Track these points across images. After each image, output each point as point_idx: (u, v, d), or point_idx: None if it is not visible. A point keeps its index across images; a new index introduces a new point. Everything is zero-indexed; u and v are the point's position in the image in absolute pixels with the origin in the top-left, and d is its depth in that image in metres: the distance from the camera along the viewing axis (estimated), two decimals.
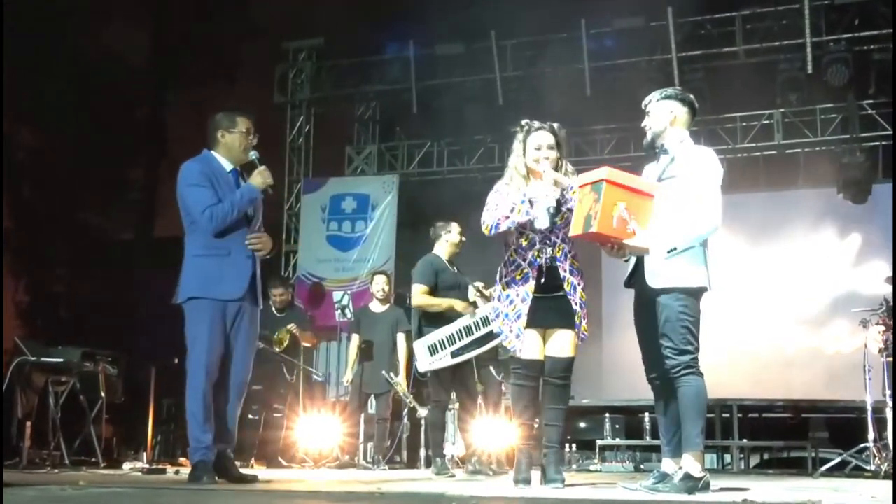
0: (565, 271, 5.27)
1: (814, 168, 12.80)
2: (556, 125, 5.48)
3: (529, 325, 5.25)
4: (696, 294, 4.89)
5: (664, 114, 5.11)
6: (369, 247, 13.51)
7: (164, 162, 19.03)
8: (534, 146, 5.37)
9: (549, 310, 5.25)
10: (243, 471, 6.00)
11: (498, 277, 5.46)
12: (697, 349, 4.86)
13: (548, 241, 5.29)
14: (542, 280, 5.24)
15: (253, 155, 5.78)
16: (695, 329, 4.86)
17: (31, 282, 19.03)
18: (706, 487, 4.77)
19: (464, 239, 7.89)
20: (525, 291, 5.26)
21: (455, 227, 7.96)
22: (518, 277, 5.30)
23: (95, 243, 17.88)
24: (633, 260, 5.09)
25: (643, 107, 5.25)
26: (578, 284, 5.29)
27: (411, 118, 13.85)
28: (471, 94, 13.18)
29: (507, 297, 5.33)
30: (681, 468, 4.81)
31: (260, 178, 5.72)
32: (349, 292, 13.14)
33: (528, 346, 5.28)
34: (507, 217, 5.24)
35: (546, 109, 12.38)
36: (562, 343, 5.27)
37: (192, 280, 5.54)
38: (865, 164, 12.11)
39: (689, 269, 4.84)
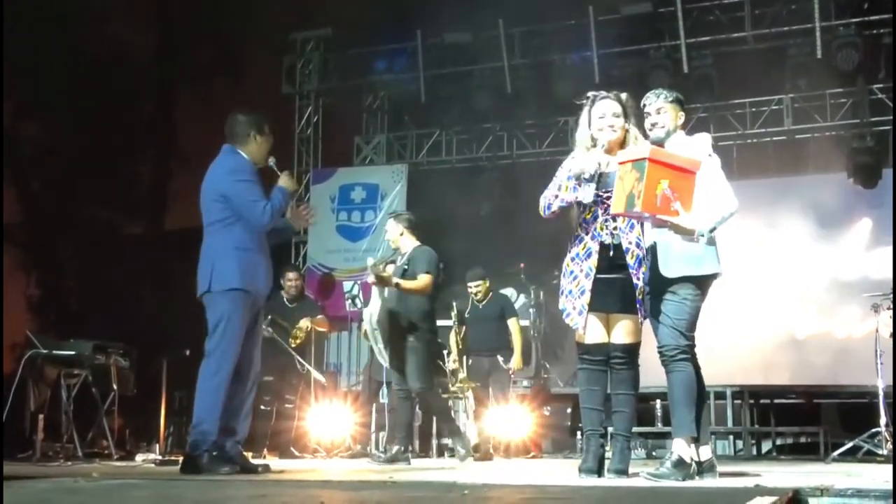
0: (630, 243, 5.02)
1: (824, 153, 12.75)
2: (622, 94, 5.22)
3: (592, 307, 5.02)
4: (706, 281, 4.93)
5: (674, 115, 5.15)
6: (379, 236, 13.46)
7: (173, 155, 19.09)
8: (598, 115, 5.14)
9: (610, 293, 5.02)
10: (255, 461, 6.03)
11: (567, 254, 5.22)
12: (694, 338, 4.92)
13: (610, 214, 5.01)
14: (610, 254, 5.01)
15: (272, 161, 5.89)
16: (696, 318, 4.91)
17: (42, 275, 19.10)
18: (708, 471, 4.86)
19: (389, 238, 8.00)
20: (588, 267, 5.03)
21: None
22: (581, 252, 5.08)
23: (105, 237, 17.92)
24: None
25: (645, 104, 5.19)
26: (644, 259, 5.03)
27: (420, 107, 13.85)
28: (479, 82, 13.17)
29: (571, 273, 5.10)
30: (672, 452, 4.85)
31: (291, 181, 5.86)
32: (359, 282, 13.14)
33: (591, 330, 5.07)
34: (556, 196, 5.09)
35: (554, 97, 12.41)
36: (621, 330, 5.06)
37: (236, 272, 5.57)
38: (875, 149, 12.05)
39: (701, 257, 4.87)
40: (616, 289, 5.02)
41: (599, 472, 5.08)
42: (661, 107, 5.15)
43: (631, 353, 5.12)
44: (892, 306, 8.17)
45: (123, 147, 18.50)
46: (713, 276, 4.96)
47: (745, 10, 12.26)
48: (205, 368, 5.51)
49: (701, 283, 4.92)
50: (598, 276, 5.01)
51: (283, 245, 14.10)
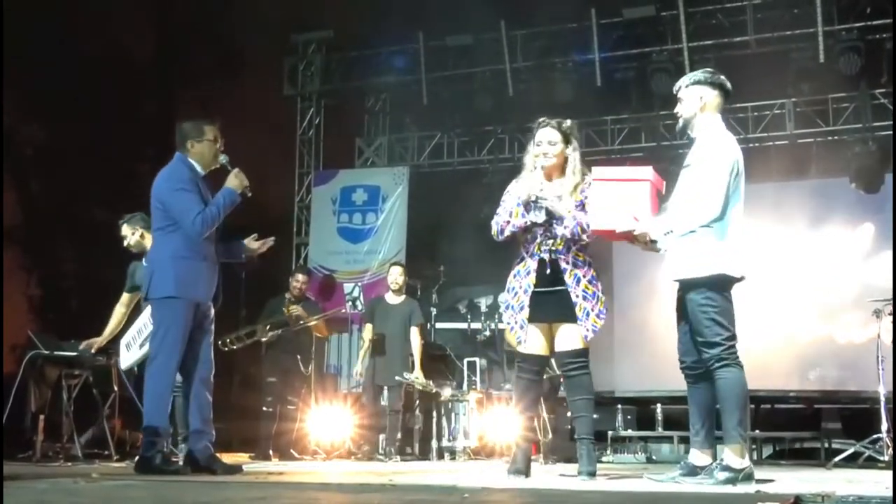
0: (567, 264, 5.29)
1: (826, 158, 12.73)
2: (565, 121, 5.52)
3: (533, 318, 5.33)
4: (717, 283, 4.87)
5: (694, 100, 5.10)
6: (380, 238, 13.49)
7: (173, 156, 19.10)
8: (536, 142, 5.48)
9: (551, 304, 5.31)
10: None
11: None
12: (730, 338, 4.88)
13: (549, 234, 5.35)
14: (547, 272, 5.30)
15: (223, 159, 5.97)
16: (723, 318, 4.87)
17: (43, 276, 19.10)
18: (748, 479, 4.76)
19: (130, 242, 7.89)
20: (528, 284, 5.36)
21: None
22: (522, 270, 5.42)
23: (105, 237, 17.88)
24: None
25: (674, 92, 5.24)
26: (584, 277, 5.28)
27: (421, 109, 13.82)
28: (481, 84, 13.14)
29: (512, 289, 5.44)
30: (721, 460, 4.83)
31: (237, 180, 5.91)
32: (360, 284, 13.17)
33: (530, 340, 5.37)
34: (509, 222, 5.41)
35: (556, 100, 12.40)
36: (565, 336, 5.32)
37: (171, 280, 5.71)
38: (878, 154, 12.01)
39: (700, 259, 4.84)
40: (559, 300, 5.29)
41: (527, 473, 5.37)
42: (680, 97, 5.17)
43: (580, 357, 5.33)
44: (893, 312, 8.15)
45: (124, 148, 18.49)
46: (723, 278, 4.89)
47: (747, 14, 12.23)
48: (149, 372, 5.69)
49: (714, 286, 4.87)
50: (539, 290, 5.31)
51: (285, 248, 14.11)
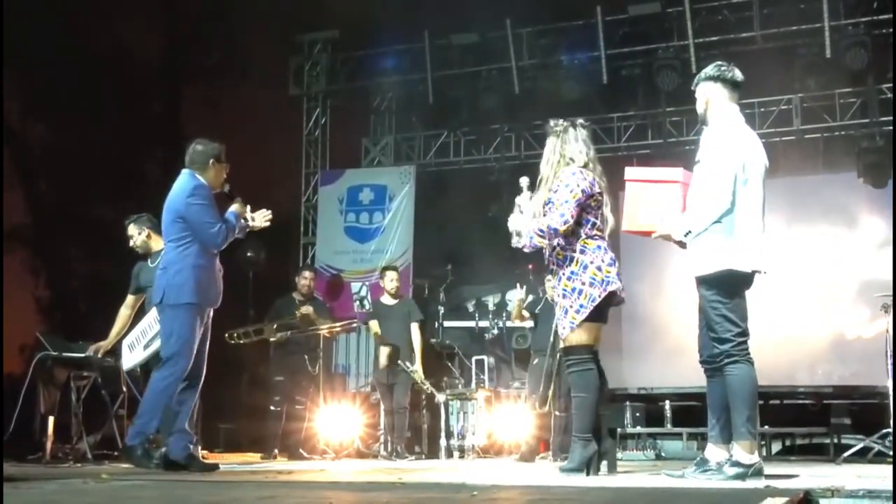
0: (553, 265, 5.43)
1: (833, 153, 12.69)
2: (549, 124, 5.74)
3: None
4: (726, 279, 4.85)
5: (700, 98, 5.24)
6: (387, 238, 13.47)
7: (180, 156, 19.11)
8: None
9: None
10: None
11: None
12: (741, 334, 4.87)
13: None
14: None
15: (226, 188, 6.33)
16: (733, 314, 4.86)
17: (51, 277, 19.13)
18: (758, 474, 4.74)
19: (136, 244, 7.77)
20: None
21: None
22: None
23: (113, 237, 17.91)
24: None
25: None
26: (563, 275, 5.33)
27: (427, 108, 13.82)
28: (486, 83, 13.13)
29: None
30: (731, 456, 4.83)
31: (242, 207, 6.27)
32: (367, 284, 13.15)
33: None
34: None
35: (562, 98, 12.39)
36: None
37: (192, 287, 5.99)
38: (885, 149, 11.97)
39: (709, 256, 4.85)
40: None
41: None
42: (696, 97, 5.23)
43: (569, 354, 5.36)
44: (893, 307, 8.10)
45: (131, 148, 18.52)
46: (730, 274, 4.88)
47: (753, 10, 12.19)
48: (158, 373, 5.96)
49: (723, 282, 4.86)
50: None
51: (292, 248, 14.13)
